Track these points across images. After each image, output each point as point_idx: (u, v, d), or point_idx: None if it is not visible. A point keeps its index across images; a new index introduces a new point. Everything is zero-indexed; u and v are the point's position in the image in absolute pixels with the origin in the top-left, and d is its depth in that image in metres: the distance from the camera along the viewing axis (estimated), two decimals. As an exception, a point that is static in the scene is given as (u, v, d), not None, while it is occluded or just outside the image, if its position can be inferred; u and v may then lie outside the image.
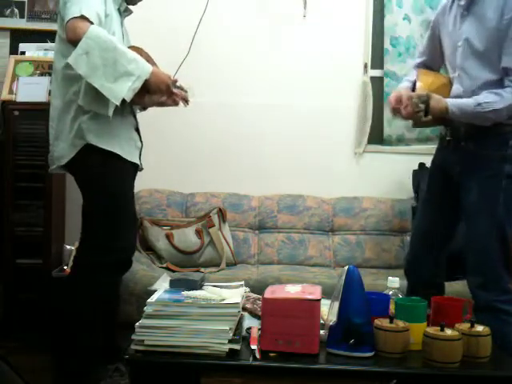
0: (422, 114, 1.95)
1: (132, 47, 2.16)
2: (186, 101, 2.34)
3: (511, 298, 1.99)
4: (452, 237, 2.20)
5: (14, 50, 3.17)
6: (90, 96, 2.04)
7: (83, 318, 2.13)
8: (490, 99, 1.90)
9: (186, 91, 2.32)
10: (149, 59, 2.21)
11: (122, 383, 2.26)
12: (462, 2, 1.99)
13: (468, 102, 1.94)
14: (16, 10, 3.24)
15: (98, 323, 2.18)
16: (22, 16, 3.24)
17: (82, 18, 1.97)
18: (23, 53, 3.11)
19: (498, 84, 1.94)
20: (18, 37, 3.20)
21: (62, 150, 2.15)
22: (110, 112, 2.05)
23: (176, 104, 2.33)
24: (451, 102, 1.96)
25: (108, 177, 2.16)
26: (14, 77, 2.95)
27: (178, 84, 2.30)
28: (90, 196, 2.20)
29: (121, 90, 2.00)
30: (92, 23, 1.99)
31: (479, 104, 1.90)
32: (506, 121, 1.95)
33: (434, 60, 2.22)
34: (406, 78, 2.27)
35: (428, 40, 2.24)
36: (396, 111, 2.07)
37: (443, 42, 2.12)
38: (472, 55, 1.97)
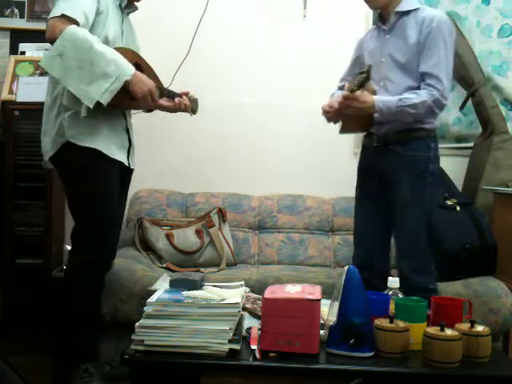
0: (362, 78, 2.14)
1: (119, 49, 2.10)
2: (193, 111, 2.39)
3: (434, 278, 2.35)
4: (391, 229, 2.44)
5: (13, 50, 3.16)
6: (72, 95, 2.02)
7: (77, 318, 2.12)
8: (408, 96, 2.24)
9: (194, 100, 2.38)
10: (139, 61, 2.16)
11: None
12: (385, 28, 2.39)
13: (391, 98, 2.27)
14: (16, 10, 3.24)
15: (91, 322, 2.16)
16: (22, 16, 3.24)
17: (63, 17, 1.95)
18: (23, 53, 3.11)
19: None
20: (18, 37, 3.19)
21: (46, 145, 2.16)
22: (83, 112, 2.02)
23: (177, 110, 2.36)
24: (377, 98, 2.27)
25: (89, 175, 2.13)
26: (14, 77, 2.95)
27: (171, 92, 2.31)
28: (71, 194, 2.19)
29: (95, 93, 1.96)
30: (77, 23, 1.96)
31: (400, 99, 2.23)
32: (427, 126, 2.31)
33: None
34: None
35: (352, 64, 2.57)
36: (328, 115, 2.42)
37: (365, 61, 2.46)
38: (395, 67, 2.33)
